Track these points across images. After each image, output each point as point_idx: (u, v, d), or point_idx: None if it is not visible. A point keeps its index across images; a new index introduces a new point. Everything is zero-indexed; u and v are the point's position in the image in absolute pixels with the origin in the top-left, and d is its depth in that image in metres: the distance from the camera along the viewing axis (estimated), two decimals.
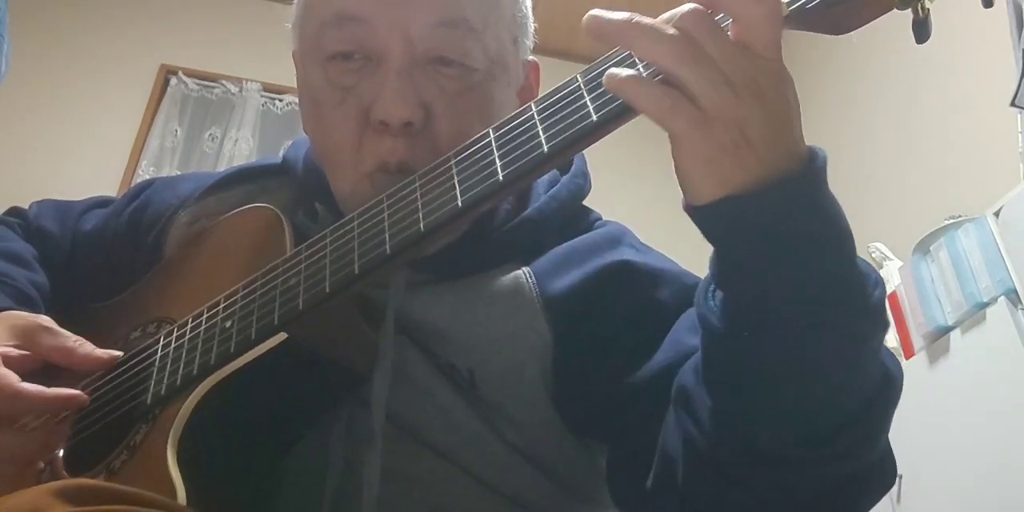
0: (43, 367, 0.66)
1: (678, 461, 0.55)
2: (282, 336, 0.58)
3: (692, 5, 0.46)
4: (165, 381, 0.62)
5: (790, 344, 0.47)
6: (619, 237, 0.74)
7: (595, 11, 0.47)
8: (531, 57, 0.77)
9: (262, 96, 3.28)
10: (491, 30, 0.68)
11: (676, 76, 0.45)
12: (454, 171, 0.55)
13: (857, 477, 0.52)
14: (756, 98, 0.45)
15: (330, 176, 0.71)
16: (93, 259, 0.84)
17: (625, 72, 0.46)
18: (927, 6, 0.50)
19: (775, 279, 0.47)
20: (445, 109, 0.66)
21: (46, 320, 0.67)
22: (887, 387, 0.52)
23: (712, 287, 0.52)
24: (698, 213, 0.48)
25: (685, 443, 0.54)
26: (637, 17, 0.46)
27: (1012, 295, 1.77)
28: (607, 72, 0.47)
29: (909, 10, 0.50)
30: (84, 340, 0.66)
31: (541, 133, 0.51)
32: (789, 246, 0.46)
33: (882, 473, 0.55)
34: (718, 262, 0.50)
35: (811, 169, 0.47)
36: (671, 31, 0.45)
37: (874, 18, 0.51)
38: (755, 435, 0.50)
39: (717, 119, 0.44)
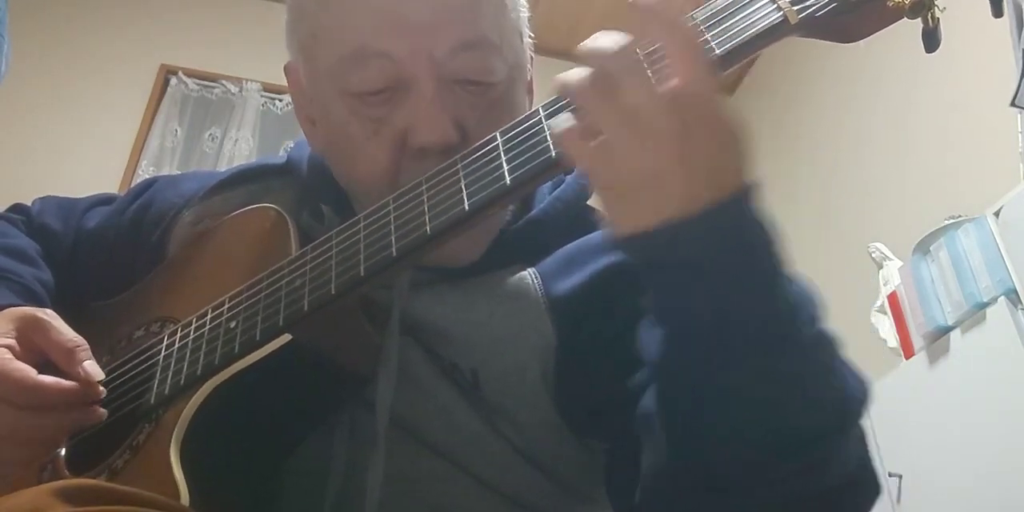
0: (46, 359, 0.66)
1: (649, 486, 0.56)
2: (286, 337, 0.58)
3: (617, 47, 0.46)
4: (169, 381, 0.62)
5: (719, 373, 0.49)
6: None
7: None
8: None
9: (262, 96, 3.27)
10: (506, 39, 0.68)
11: (593, 121, 0.46)
12: (461, 175, 0.55)
13: (829, 493, 0.52)
14: (674, 145, 0.45)
15: (364, 202, 0.70)
16: (95, 257, 0.84)
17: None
18: (937, 16, 0.50)
19: (691, 311, 0.48)
20: (478, 124, 0.66)
21: (50, 314, 0.67)
22: (841, 407, 0.52)
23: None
24: (618, 247, 0.49)
25: (651, 468, 0.55)
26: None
27: (1012, 295, 1.77)
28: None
29: (917, 19, 0.50)
30: (85, 344, 0.65)
31: (549, 138, 0.51)
32: (703, 280, 0.47)
33: (858, 488, 0.55)
34: (650, 294, 0.51)
35: (734, 203, 0.47)
36: (589, 77, 0.46)
37: (884, 27, 0.51)
38: (709, 462, 0.51)
39: (625, 161, 0.45)
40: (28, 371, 0.61)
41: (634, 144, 0.45)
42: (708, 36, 0.51)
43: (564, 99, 0.52)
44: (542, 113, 0.54)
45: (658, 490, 0.56)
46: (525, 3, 0.75)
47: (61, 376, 0.63)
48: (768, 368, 0.48)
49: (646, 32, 0.46)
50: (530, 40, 0.76)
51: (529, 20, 0.76)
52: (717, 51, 0.51)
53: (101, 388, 0.63)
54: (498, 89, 0.68)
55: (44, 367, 0.63)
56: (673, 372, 0.52)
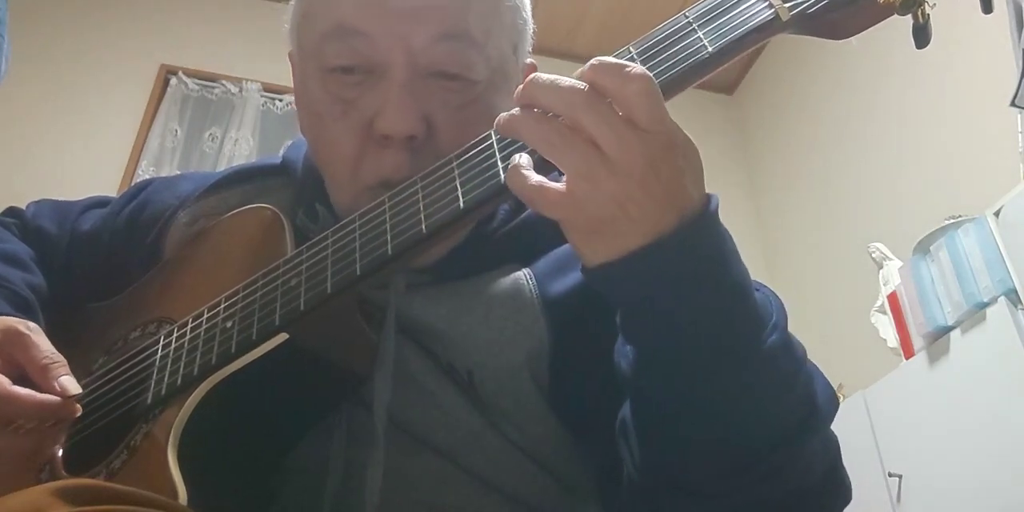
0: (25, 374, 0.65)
1: (629, 486, 0.59)
2: (283, 336, 0.58)
3: (581, 87, 0.47)
4: (165, 381, 0.62)
5: (686, 388, 0.52)
6: None
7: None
8: (529, 60, 0.77)
9: (262, 96, 3.28)
10: (492, 40, 0.68)
11: (556, 155, 0.48)
12: (456, 173, 0.55)
13: (796, 496, 0.55)
14: (641, 177, 0.46)
15: (329, 187, 0.71)
16: (91, 259, 0.83)
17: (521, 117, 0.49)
18: (927, 11, 0.50)
19: (663, 330, 0.51)
20: (447, 122, 0.66)
21: (33, 328, 0.65)
22: (806, 418, 0.54)
23: None
24: (587, 277, 0.51)
25: (627, 477, 0.58)
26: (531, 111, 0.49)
27: (1012, 295, 1.77)
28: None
29: (908, 15, 0.50)
30: (62, 360, 0.64)
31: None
32: (667, 304, 0.50)
33: (826, 495, 0.58)
34: (618, 315, 0.54)
35: (693, 223, 0.48)
36: (551, 112, 0.48)
37: (874, 23, 0.51)
38: (678, 469, 0.55)
39: (593, 198, 0.47)
40: (1, 380, 0.60)
41: (601, 174, 0.46)
42: (701, 34, 0.51)
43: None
44: None
45: (636, 491, 0.59)
46: (528, 17, 0.75)
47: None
48: (732, 381, 0.51)
49: (594, 78, 0.48)
50: (528, 53, 0.76)
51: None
52: (709, 49, 0.51)
53: (77, 406, 0.62)
54: (475, 89, 0.68)
55: (23, 381, 0.62)
56: (642, 388, 0.55)
